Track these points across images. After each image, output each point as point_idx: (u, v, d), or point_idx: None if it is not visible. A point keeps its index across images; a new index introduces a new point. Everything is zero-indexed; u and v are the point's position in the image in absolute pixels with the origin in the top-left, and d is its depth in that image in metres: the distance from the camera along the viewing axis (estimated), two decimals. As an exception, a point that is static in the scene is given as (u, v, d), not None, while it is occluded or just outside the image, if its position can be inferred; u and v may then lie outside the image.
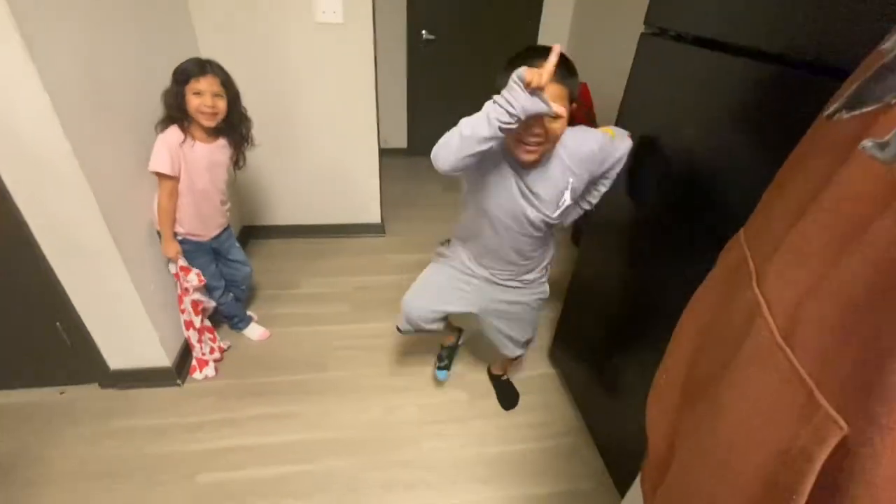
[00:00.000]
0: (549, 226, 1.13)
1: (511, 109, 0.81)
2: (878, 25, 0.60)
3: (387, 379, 1.70)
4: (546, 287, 1.33)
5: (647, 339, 1.17)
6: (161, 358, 1.59)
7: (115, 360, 1.57)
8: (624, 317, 1.28)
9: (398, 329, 1.42)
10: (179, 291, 1.56)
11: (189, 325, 1.62)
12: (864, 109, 0.33)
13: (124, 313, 1.46)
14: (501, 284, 1.27)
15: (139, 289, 1.43)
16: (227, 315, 1.82)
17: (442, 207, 2.97)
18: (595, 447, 1.46)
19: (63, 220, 1.26)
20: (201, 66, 1.35)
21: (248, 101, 1.49)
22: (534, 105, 0.81)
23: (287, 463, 1.40)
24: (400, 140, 3.67)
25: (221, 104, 1.39)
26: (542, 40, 3.34)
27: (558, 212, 1.08)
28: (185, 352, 1.70)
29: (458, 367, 1.78)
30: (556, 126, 0.94)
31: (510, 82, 0.81)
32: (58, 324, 1.44)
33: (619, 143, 1.11)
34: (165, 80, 1.36)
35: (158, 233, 1.50)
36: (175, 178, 1.41)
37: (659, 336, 1.11)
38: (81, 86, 1.20)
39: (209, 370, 1.67)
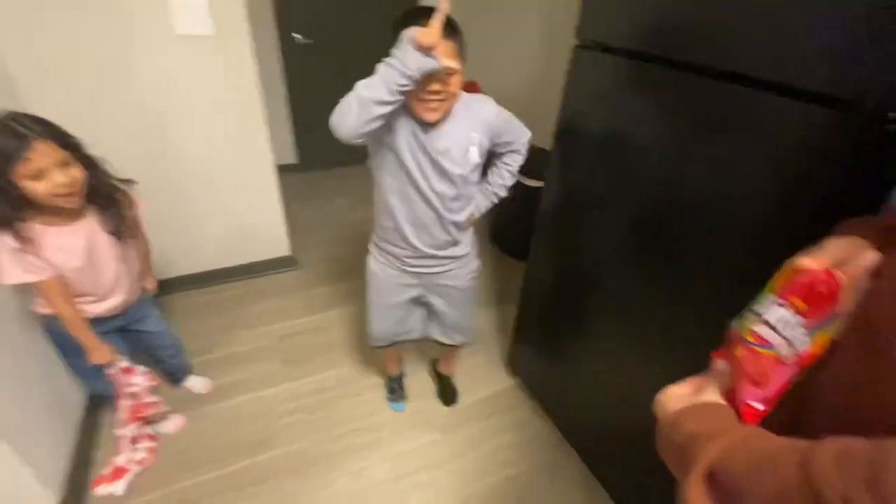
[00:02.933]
0: (461, 180, 1.09)
1: (405, 70, 0.83)
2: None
3: (346, 439, 1.52)
4: (477, 262, 1.32)
5: (612, 328, 1.21)
6: (43, 498, 1.19)
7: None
8: (586, 309, 1.30)
9: (374, 347, 1.44)
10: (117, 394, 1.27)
11: (125, 422, 1.31)
12: None
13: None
14: (437, 263, 1.22)
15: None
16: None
17: (354, 224, 2.76)
18: (575, 454, 1.47)
19: None
20: (21, 137, 0.93)
21: (107, 144, 1.14)
22: (427, 63, 0.83)
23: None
24: (288, 155, 3.32)
25: (76, 172, 1.02)
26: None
27: (469, 168, 1.08)
28: (78, 469, 1.32)
29: (420, 401, 1.67)
30: (452, 81, 0.95)
31: (401, 44, 0.83)
32: None
33: (520, 128, 1.15)
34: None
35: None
36: (50, 279, 1.08)
37: (625, 323, 1.17)
38: None
39: (119, 486, 1.31)
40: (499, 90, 2.76)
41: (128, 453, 1.34)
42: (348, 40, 3.04)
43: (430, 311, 1.38)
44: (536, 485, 1.42)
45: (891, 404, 0.41)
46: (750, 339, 0.47)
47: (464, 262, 1.26)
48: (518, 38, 2.56)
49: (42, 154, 0.95)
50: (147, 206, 1.29)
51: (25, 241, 1.01)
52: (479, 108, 1.06)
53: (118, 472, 1.32)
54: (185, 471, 1.38)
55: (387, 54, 0.86)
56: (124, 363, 1.24)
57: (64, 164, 1.00)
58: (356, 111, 0.87)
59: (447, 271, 1.24)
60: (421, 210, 1.09)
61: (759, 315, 0.47)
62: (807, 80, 0.69)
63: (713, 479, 0.39)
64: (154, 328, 1.42)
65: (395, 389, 1.66)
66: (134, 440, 1.35)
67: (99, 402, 1.53)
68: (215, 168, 1.94)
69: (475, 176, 1.12)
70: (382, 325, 1.37)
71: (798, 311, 0.45)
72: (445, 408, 1.65)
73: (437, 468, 1.45)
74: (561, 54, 1.18)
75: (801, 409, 0.49)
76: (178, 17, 1.58)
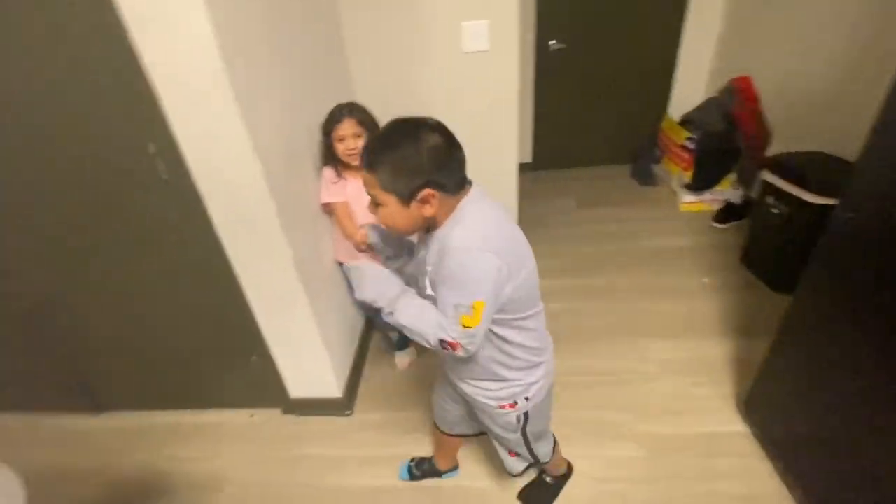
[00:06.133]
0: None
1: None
2: None
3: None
4: (510, 418, 1.02)
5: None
6: (333, 389, 1.68)
7: (296, 389, 1.70)
8: (870, 367, 1.02)
9: None
10: None
11: None
12: None
13: (306, 347, 1.57)
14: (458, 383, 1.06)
15: (320, 325, 1.52)
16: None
17: (577, 224, 2.79)
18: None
19: (266, 273, 1.38)
20: (339, 112, 1.45)
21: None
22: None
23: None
24: (524, 155, 3.55)
25: (363, 143, 1.43)
26: (688, 37, 3.00)
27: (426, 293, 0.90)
28: (353, 381, 1.80)
29: (630, 415, 1.62)
30: (381, 212, 0.85)
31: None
32: (254, 357, 1.60)
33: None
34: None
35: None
36: (344, 202, 1.53)
37: None
38: (277, 134, 1.27)
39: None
40: (782, 83, 2.33)
41: None
42: (599, 46, 3.06)
43: None
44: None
45: None
46: None
47: (490, 396, 1.00)
48: (813, 18, 2.09)
49: (346, 126, 1.44)
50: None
51: (339, 177, 1.51)
52: (449, 236, 0.83)
53: None
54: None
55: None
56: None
57: (358, 136, 1.45)
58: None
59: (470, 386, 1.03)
60: None
61: None
62: None
63: None
64: None
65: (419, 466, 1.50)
66: None
67: (371, 331, 2.04)
68: (470, 166, 2.25)
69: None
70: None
71: None
72: (653, 428, 1.55)
73: (641, 484, 1.39)
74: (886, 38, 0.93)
75: None
76: (465, 38, 1.91)
